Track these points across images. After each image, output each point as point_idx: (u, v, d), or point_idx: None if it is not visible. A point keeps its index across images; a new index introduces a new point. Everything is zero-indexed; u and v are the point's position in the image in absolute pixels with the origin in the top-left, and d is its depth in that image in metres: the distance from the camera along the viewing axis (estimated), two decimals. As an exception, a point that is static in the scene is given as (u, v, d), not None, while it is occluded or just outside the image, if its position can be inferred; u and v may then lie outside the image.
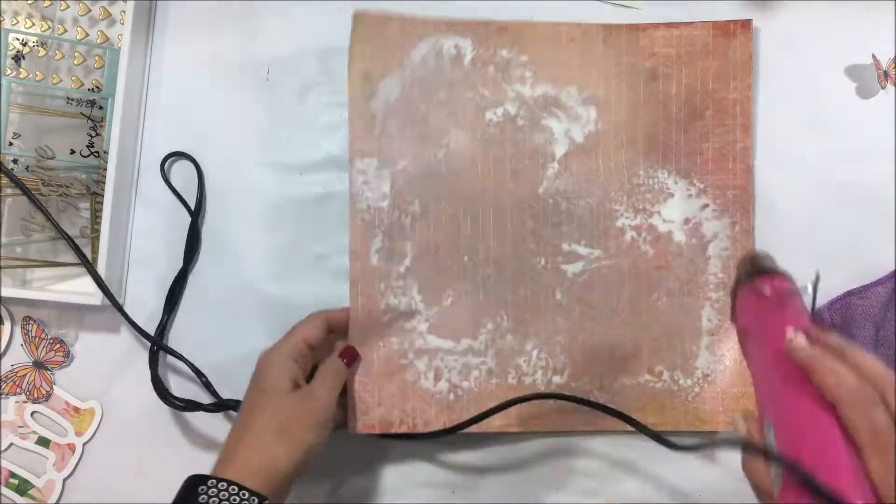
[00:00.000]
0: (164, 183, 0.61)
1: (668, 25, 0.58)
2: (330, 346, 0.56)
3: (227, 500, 0.44)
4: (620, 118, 0.59)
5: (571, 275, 0.58)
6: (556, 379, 0.58)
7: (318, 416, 0.50)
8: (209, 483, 0.44)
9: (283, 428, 0.48)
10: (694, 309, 0.58)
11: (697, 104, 0.58)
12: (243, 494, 0.44)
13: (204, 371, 0.59)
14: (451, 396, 0.57)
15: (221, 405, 0.58)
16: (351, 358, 0.56)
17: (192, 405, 0.58)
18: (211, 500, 0.44)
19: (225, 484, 0.44)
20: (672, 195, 0.58)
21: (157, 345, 0.59)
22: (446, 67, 0.59)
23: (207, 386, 0.59)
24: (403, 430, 0.57)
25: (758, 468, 0.34)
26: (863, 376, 0.31)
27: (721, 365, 0.57)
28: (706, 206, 0.58)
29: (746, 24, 0.58)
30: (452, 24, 0.59)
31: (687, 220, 0.58)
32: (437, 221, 0.58)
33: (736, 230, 0.58)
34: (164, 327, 0.60)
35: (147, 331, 0.59)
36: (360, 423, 0.57)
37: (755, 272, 0.39)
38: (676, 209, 0.58)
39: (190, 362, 0.59)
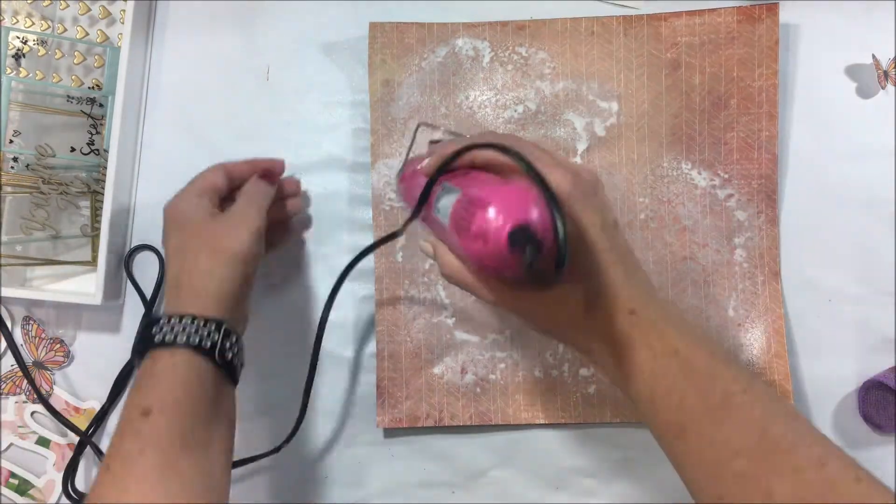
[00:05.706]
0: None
1: (690, 13, 0.58)
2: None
3: (184, 332, 0.42)
4: (643, 110, 0.58)
5: (596, 268, 0.58)
6: (584, 372, 0.58)
7: (247, 225, 0.48)
8: (160, 323, 0.42)
9: (215, 247, 0.46)
10: (720, 299, 0.58)
11: (722, 93, 0.58)
12: (199, 323, 0.42)
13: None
14: (478, 389, 0.58)
15: None
16: (270, 179, 0.54)
17: None
18: (167, 338, 0.41)
19: (177, 319, 0.42)
20: (696, 186, 0.58)
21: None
22: (465, 70, 0.59)
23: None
24: (430, 423, 0.58)
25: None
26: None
27: (748, 354, 0.57)
28: (731, 196, 0.58)
29: (773, 8, 0.57)
30: (469, 26, 0.59)
31: (711, 211, 0.58)
32: (461, 219, 0.59)
33: (761, 220, 0.57)
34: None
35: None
36: (388, 417, 0.58)
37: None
38: (700, 200, 0.58)
39: None
